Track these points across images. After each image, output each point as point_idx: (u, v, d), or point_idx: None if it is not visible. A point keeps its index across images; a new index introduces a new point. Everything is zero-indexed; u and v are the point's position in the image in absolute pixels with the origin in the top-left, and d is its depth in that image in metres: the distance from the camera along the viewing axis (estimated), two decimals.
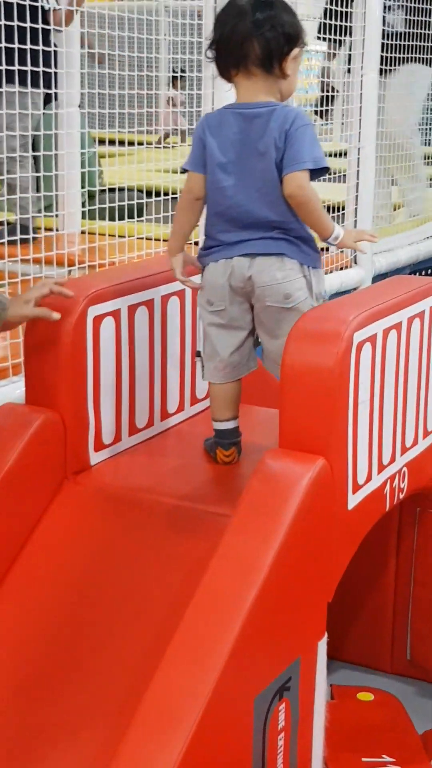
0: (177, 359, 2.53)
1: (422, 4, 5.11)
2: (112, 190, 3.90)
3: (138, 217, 3.72)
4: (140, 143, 4.32)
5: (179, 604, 1.83)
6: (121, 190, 3.77)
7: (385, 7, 4.59)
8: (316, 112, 5.20)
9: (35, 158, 3.46)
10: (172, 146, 5.14)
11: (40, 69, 3.21)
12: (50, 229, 3.39)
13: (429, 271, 5.30)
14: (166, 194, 3.68)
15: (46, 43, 3.26)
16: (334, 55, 4.85)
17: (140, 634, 1.91)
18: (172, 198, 3.71)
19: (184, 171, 2.24)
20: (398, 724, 2.45)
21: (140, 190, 4.06)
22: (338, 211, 4.51)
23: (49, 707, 1.85)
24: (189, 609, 1.77)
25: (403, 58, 4.90)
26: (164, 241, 3.61)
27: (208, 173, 2.17)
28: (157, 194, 3.69)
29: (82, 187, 3.68)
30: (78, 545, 2.13)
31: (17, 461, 2.10)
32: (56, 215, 3.44)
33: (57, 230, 3.38)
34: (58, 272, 3.08)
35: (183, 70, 5.29)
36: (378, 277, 4.51)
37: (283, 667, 1.88)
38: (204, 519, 2.10)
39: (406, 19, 5.01)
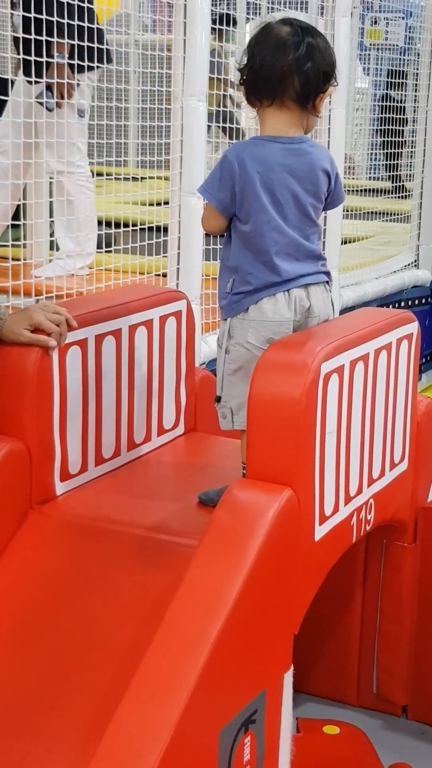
0: (144, 389, 2.52)
1: None
2: None
3: (107, 248, 3.72)
4: (109, 174, 4.33)
5: (144, 635, 1.82)
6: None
7: None
8: None
9: None
10: (141, 178, 5.15)
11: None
12: (18, 259, 3.38)
13: (396, 305, 5.33)
14: (134, 225, 3.69)
15: None
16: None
17: (105, 666, 1.89)
18: (141, 229, 3.72)
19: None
20: (364, 758, 2.43)
21: (108, 223, 4.07)
22: None
23: (11, 740, 1.82)
24: (154, 641, 1.76)
25: None
26: (133, 273, 3.63)
27: (253, 209, 2.11)
28: (126, 225, 3.69)
29: (51, 216, 3.68)
30: (42, 576, 2.10)
31: None
32: (23, 245, 3.44)
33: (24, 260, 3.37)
34: (25, 302, 3.06)
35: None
36: (345, 311, 4.54)
37: (249, 699, 1.86)
38: (170, 549, 2.09)
39: None
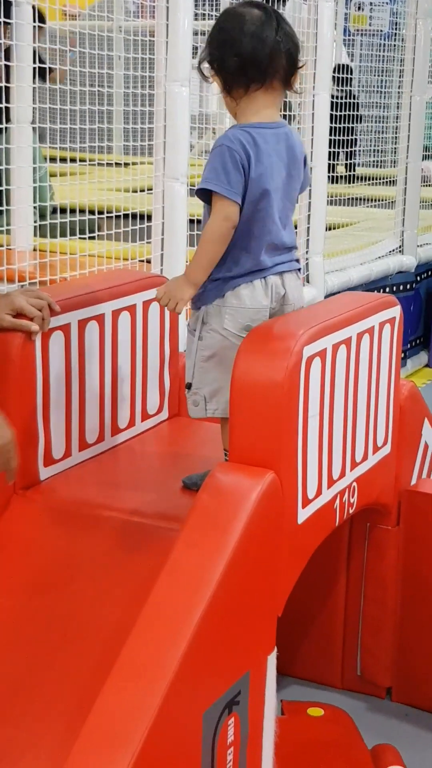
0: (128, 374, 2.52)
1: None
2: (63, 210, 3.88)
3: (90, 234, 3.71)
4: (92, 161, 4.32)
5: (128, 618, 1.82)
6: (72, 211, 3.76)
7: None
8: None
9: None
10: (125, 164, 5.14)
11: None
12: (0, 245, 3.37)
13: (381, 291, 5.34)
14: (118, 212, 3.68)
15: None
16: None
17: (89, 650, 1.89)
18: (124, 215, 3.71)
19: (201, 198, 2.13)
20: (348, 740, 2.45)
21: (92, 211, 4.05)
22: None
23: None
24: (137, 624, 1.76)
25: None
26: (116, 259, 3.63)
27: (257, 200, 2.08)
28: (109, 212, 3.69)
29: (34, 202, 3.66)
30: (27, 560, 2.11)
31: None
32: (6, 230, 3.43)
33: (7, 246, 3.36)
34: (7, 288, 3.06)
35: None
36: (330, 296, 4.54)
37: (232, 681, 1.87)
38: (154, 533, 2.09)
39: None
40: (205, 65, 2.13)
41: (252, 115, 2.11)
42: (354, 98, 5.57)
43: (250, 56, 2.07)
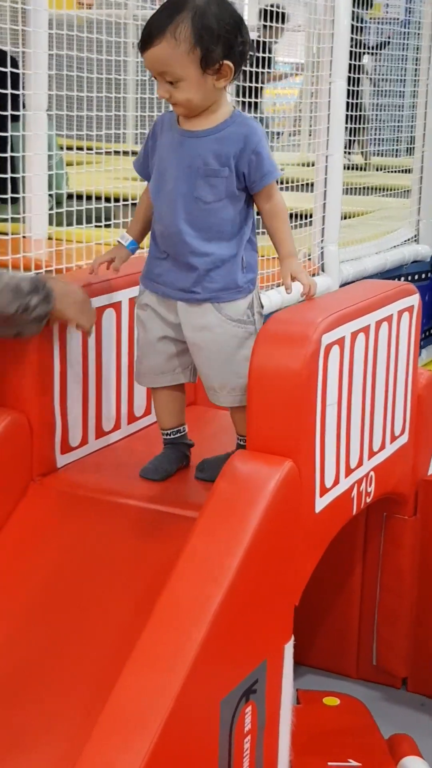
0: None
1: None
2: (79, 197, 3.87)
3: (105, 222, 3.70)
4: (108, 151, 4.32)
5: (145, 606, 1.82)
6: (89, 197, 3.75)
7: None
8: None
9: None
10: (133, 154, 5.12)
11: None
12: (16, 233, 3.36)
13: (396, 280, 5.32)
14: (133, 200, 3.67)
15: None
16: None
17: (106, 637, 1.90)
18: (132, 204, 3.70)
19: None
20: (364, 729, 2.44)
21: (107, 198, 4.04)
22: (306, 218, 4.52)
23: (12, 711, 1.83)
24: (154, 611, 1.76)
25: None
26: None
27: None
28: (125, 200, 3.68)
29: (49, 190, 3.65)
30: (43, 548, 2.11)
31: None
32: (20, 218, 3.42)
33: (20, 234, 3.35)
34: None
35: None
36: (345, 286, 4.53)
37: (250, 669, 1.87)
38: (170, 521, 2.09)
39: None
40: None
41: (227, 104, 2.10)
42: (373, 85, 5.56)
43: (247, 40, 2.04)
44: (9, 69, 3.13)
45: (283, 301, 3.98)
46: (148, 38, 1.98)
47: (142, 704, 1.63)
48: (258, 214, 2.15)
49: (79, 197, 3.91)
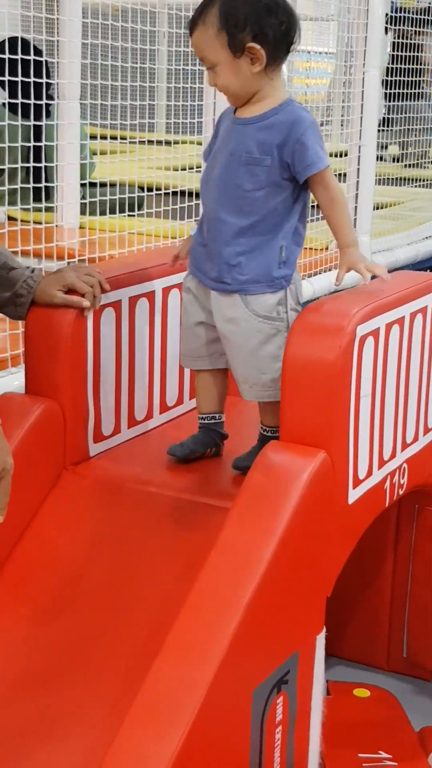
0: (177, 351, 2.51)
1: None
2: (104, 185, 3.88)
3: (138, 211, 3.71)
4: (141, 141, 4.32)
5: (177, 596, 1.82)
6: (114, 186, 3.76)
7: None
8: None
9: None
10: (171, 143, 5.12)
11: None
12: (39, 223, 3.36)
13: (428, 271, 5.29)
14: (165, 189, 3.67)
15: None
16: None
17: (138, 626, 1.90)
18: (173, 193, 3.70)
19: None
20: (395, 721, 2.44)
21: (141, 187, 4.05)
22: None
23: (44, 699, 1.83)
24: (187, 601, 1.76)
25: None
26: (163, 237, 3.62)
27: None
28: (157, 189, 3.68)
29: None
30: (76, 536, 2.11)
31: (16, 450, 2.07)
32: (55, 206, 3.43)
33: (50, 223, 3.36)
34: (57, 266, 3.06)
35: None
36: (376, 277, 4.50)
37: (282, 660, 1.87)
38: (203, 511, 2.09)
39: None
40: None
41: (283, 92, 2.09)
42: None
43: (290, 23, 2.03)
44: (32, 57, 3.13)
45: (314, 291, 3.98)
46: (190, 26, 2.04)
47: (175, 694, 1.63)
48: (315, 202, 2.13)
49: (112, 185, 3.92)
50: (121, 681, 1.81)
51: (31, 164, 3.21)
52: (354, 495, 2.07)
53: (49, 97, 3.67)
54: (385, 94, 5.16)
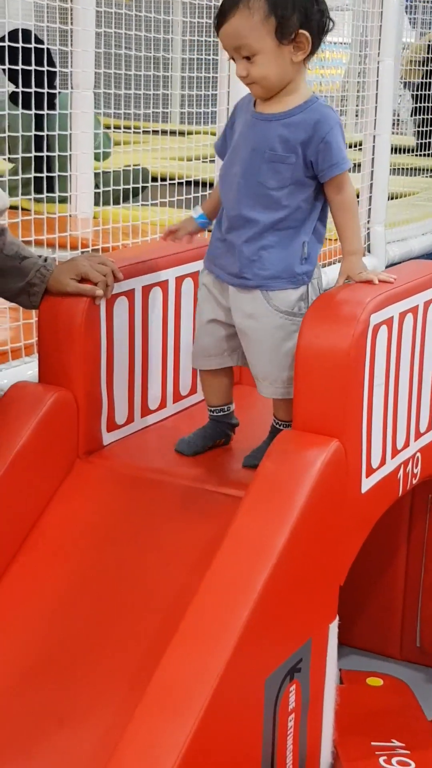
0: (190, 341, 2.51)
1: None
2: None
3: (152, 201, 3.71)
4: (155, 131, 4.32)
5: (190, 584, 1.83)
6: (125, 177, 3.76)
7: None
8: None
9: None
10: (186, 133, 5.12)
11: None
12: (62, 213, 3.37)
13: None
14: (178, 179, 3.67)
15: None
16: None
17: (150, 614, 1.90)
18: (186, 183, 3.70)
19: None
20: (408, 710, 2.44)
21: (154, 178, 4.04)
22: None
23: (58, 687, 1.84)
24: (200, 588, 1.76)
25: None
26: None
27: None
28: (171, 179, 3.68)
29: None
30: (89, 525, 2.12)
31: (30, 439, 2.09)
32: (68, 196, 3.43)
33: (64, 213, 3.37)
34: (71, 255, 3.06)
35: None
36: (390, 267, 4.50)
37: (294, 648, 1.87)
38: (216, 500, 2.09)
39: None
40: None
41: (308, 87, 2.06)
42: None
43: (327, 13, 1.99)
44: (34, 45, 3.12)
45: (328, 281, 3.97)
46: (222, 13, 1.94)
47: (188, 681, 1.64)
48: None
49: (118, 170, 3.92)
50: (135, 668, 1.82)
51: (45, 153, 3.21)
52: (367, 484, 2.07)
53: (54, 87, 3.67)
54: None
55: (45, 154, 3.24)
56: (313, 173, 2.02)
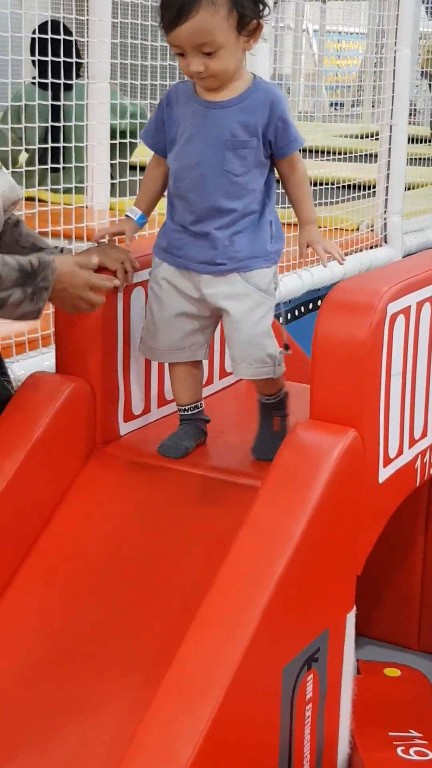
0: None
1: None
2: (133, 167, 3.88)
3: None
4: None
5: (207, 573, 1.83)
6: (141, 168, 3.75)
7: None
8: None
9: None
10: None
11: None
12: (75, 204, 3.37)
13: None
14: None
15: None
16: None
17: (168, 603, 1.91)
18: None
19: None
20: (425, 700, 2.43)
21: None
22: (368, 189, 4.48)
23: (76, 675, 1.85)
24: (218, 578, 1.76)
25: None
26: None
27: None
28: None
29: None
30: (106, 515, 2.12)
31: (47, 429, 2.09)
32: (85, 187, 3.43)
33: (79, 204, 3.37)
34: (86, 245, 3.05)
35: None
36: (407, 257, 4.48)
37: (312, 638, 1.87)
38: (233, 490, 2.09)
39: None
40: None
41: (246, 70, 2.05)
42: None
43: None
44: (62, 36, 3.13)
45: (345, 272, 3.96)
46: (181, 12, 1.88)
47: (205, 670, 1.64)
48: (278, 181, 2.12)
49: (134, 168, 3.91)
50: (152, 657, 1.82)
51: (61, 144, 3.22)
52: (384, 474, 2.07)
53: (79, 77, 3.67)
54: None
55: (62, 144, 3.25)
56: (270, 153, 2.04)
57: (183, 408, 2.26)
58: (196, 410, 2.27)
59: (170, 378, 2.27)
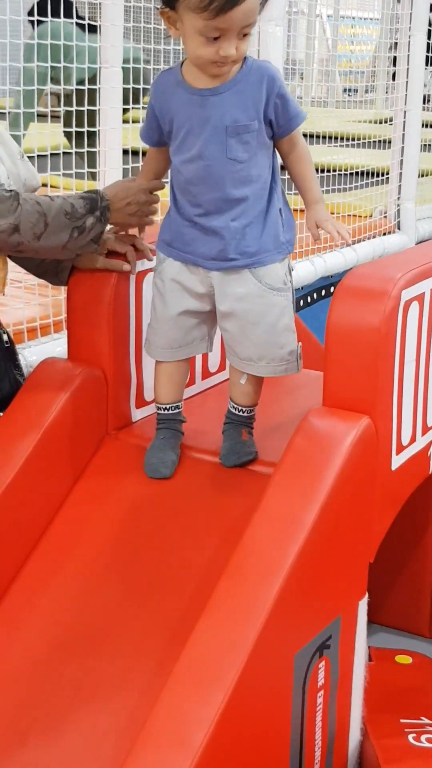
0: None
1: None
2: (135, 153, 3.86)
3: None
4: None
5: (219, 560, 1.83)
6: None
7: None
8: None
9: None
10: None
11: None
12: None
13: None
14: None
15: None
16: None
17: (180, 590, 1.91)
18: None
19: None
20: None
21: None
22: (382, 176, 4.46)
23: (88, 661, 1.85)
24: (229, 565, 1.76)
25: None
26: None
27: None
28: None
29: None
30: (118, 501, 2.12)
31: (59, 415, 2.09)
32: (97, 172, 3.42)
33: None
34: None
35: None
36: (421, 243, 4.47)
37: (324, 625, 1.87)
38: (245, 477, 2.09)
39: None
40: None
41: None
42: None
43: None
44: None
45: (358, 258, 3.95)
46: None
47: (217, 657, 1.64)
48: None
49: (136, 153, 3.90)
50: (164, 643, 1.82)
51: (86, 129, 3.21)
52: (397, 461, 2.06)
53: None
54: None
55: (74, 129, 3.24)
56: (272, 132, 1.98)
57: (164, 407, 2.17)
58: (177, 410, 2.19)
59: (155, 373, 2.18)
